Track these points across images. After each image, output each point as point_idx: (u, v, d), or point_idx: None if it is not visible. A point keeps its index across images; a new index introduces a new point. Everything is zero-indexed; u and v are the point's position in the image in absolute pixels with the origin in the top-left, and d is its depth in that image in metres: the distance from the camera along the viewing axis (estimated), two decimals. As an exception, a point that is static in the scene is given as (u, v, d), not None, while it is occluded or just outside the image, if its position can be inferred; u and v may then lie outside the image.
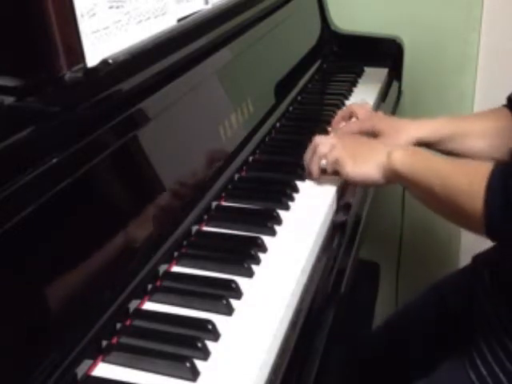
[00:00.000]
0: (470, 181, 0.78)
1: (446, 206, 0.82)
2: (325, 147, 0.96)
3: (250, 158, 1.03)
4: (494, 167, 0.77)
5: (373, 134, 1.11)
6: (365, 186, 1.03)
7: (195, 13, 0.92)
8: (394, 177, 0.89)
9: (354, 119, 1.16)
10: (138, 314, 0.69)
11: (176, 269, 0.77)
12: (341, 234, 0.90)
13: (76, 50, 0.65)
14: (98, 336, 0.63)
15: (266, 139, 1.10)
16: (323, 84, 1.43)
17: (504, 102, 1.05)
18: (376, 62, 1.52)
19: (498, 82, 1.10)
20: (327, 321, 0.77)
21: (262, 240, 0.81)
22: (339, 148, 0.95)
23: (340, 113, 1.20)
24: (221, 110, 0.97)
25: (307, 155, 0.99)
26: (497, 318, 0.87)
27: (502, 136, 1.03)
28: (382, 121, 1.12)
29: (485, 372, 0.84)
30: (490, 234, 0.77)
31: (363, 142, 0.98)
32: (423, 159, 0.88)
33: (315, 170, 0.97)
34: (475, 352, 0.86)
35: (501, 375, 0.82)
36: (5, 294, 0.54)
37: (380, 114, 1.15)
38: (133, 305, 0.69)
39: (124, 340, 0.65)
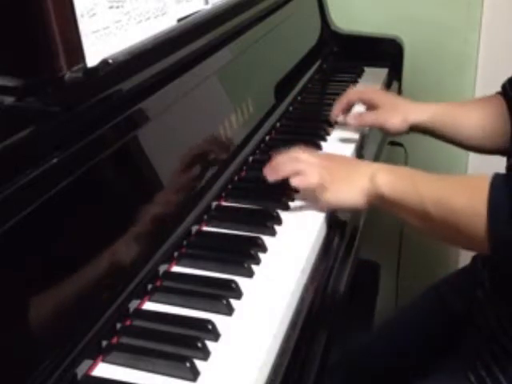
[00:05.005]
0: (468, 198, 0.74)
1: (444, 229, 0.77)
2: (303, 164, 0.87)
3: (250, 158, 1.02)
4: (492, 180, 0.73)
5: (370, 107, 1.12)
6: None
7: (195, 13, 0.92)
8: (379, 202, 0.83)
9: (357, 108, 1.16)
10: (138, 314, 0.69)
11: (176, 269, 0.77)
12: (341, 234, 0.90)
13: (76, 50, 0.65)
14: (98, 336, 0.63)
15: (266, 139, 1.10)
16: (323, 84, 1.43)
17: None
18: (376, 62, 1.52)
19: (497, 82, 1.10)
20: (327, 321, 0.77)
21: (262, 240, 0.81)
22: (317, 171, 0.86)
23: (338, 104, 1.16)
24: (221, 110, 0.97)
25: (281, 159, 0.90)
26: (496, 318, 0.87)
27: (495, 124, 1.04)
28: (383, 95, 1.13)
29: (484, 373, 0.84)
30: (496, 253, 0.74)
31: (342, 163, 0.91)
32: (411, 180, 0.81)
33: (285, 173, 0.88)
34: (474, 353, 0.86)
35: (500, 377, 0.82)
36: (5, 293, 0.54)
37: (381, 90, 1.15)
38: (133, 305, 0.69)
39: (124, 340, 0.65)
